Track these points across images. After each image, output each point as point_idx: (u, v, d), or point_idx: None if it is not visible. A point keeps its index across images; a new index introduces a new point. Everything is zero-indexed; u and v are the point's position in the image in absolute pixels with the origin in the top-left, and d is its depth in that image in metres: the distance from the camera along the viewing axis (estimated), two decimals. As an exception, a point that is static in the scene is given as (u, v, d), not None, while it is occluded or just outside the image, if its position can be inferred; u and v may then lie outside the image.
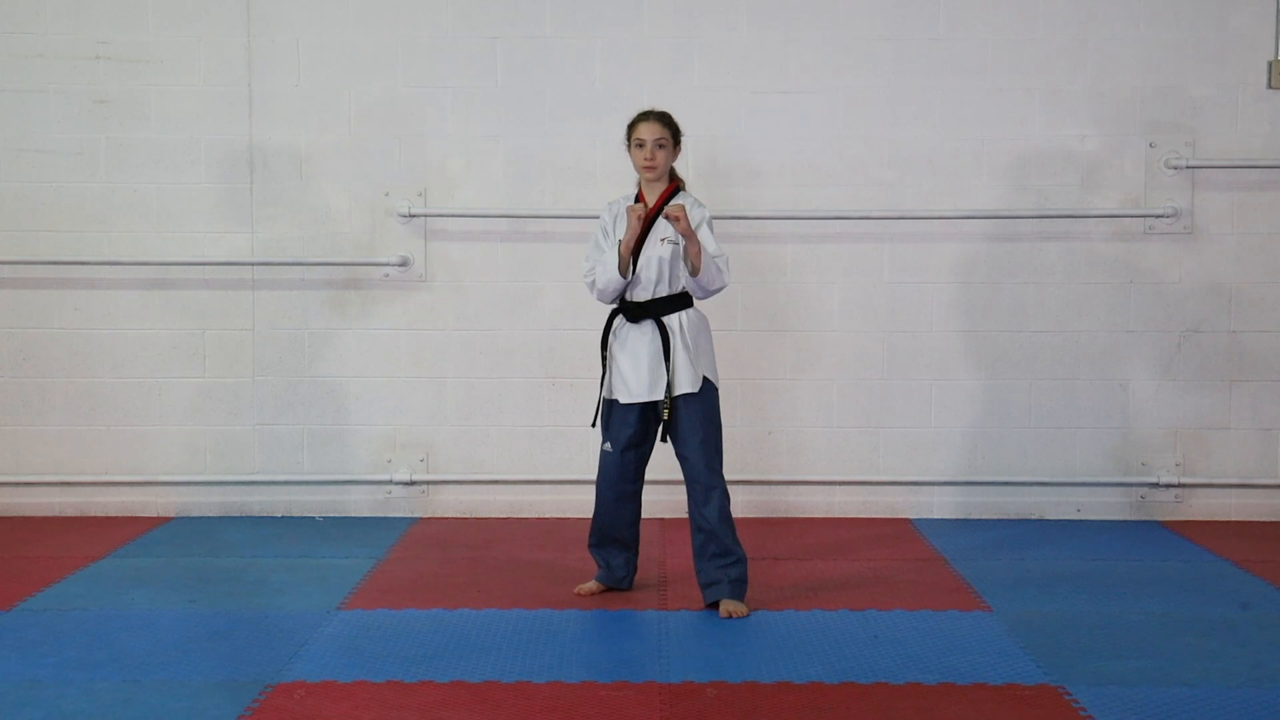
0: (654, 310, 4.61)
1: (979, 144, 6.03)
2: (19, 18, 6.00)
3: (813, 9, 6.00)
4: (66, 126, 6.02)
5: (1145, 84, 6.00)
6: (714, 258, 4.55)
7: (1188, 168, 5.98)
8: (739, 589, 4.62)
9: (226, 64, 6.02)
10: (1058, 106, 6.01)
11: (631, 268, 4.57)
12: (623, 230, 4.60)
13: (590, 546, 4.88)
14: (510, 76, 6.03)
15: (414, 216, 6.03)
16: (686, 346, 4.60)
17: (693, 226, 4.50)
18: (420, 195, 6.04)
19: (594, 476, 4.83)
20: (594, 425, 4.77)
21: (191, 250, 6.06)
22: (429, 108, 6.03)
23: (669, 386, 4.57)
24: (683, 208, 4.48)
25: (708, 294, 4.62)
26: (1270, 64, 5.97)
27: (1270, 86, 5.99)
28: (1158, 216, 6.00)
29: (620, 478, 4.74)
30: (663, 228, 4.58)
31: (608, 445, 4.72)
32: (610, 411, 4.71)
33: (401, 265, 6.04)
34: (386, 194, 6.04)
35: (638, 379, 4.60)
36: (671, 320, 4.61)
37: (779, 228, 6.04)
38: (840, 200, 6.03)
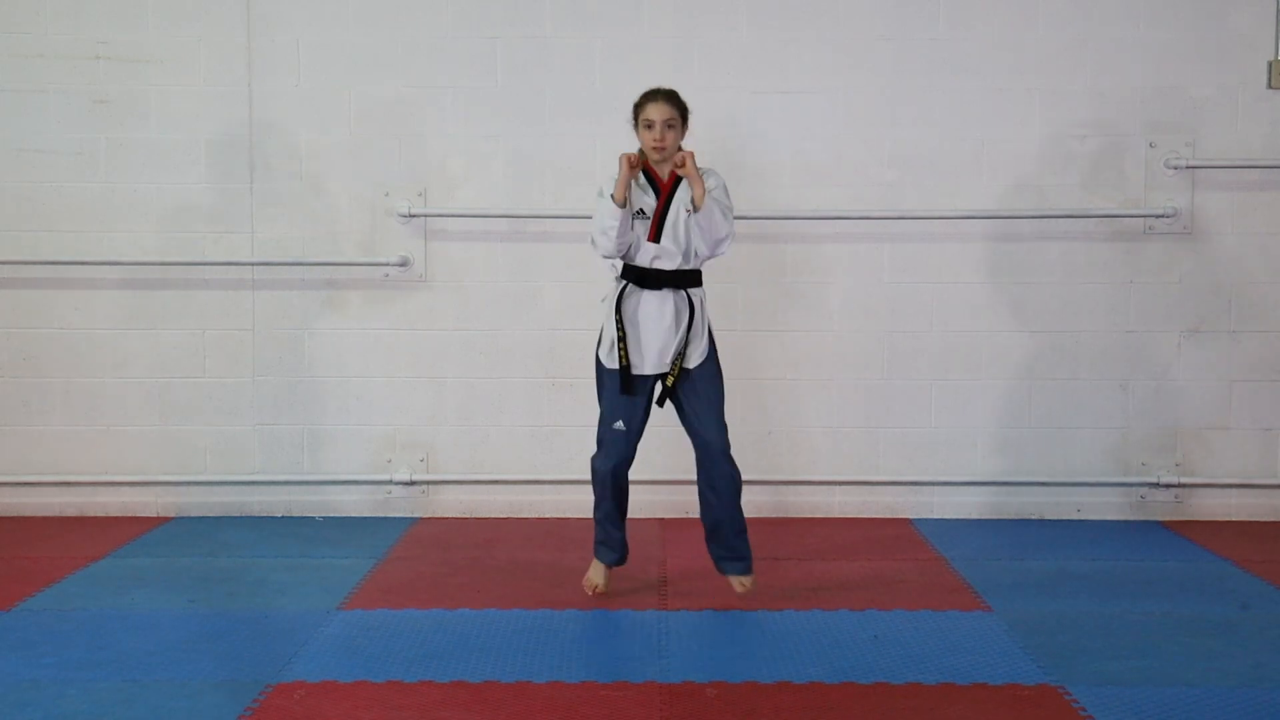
0: (676, 281, 4.60)
1: (979, 144, 6.03)
2: (19, 18, 6.00)
3: (813, 9, 6.01)
4: (66, 126, 6.02)
5: (1145, 84, 6.00)
6: (716, 201, 4.53)
7: (1188, 168, 5.98)
8: (748, 559, 4.74)
9: (226, 64, 6.02)
10: (1058, 106, 6.01)
11: (632, 222, 4.53)
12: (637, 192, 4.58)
13: (603, 521, 4.74)
14: (510, 76, 6.03)
15: (414, 216, 6.03)
16: (705, 321, 4.64)
17: (707, 187, 4.51)
18: (420, 195, 6.04)
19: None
20: (629, 393, 4.58)
21: (191, 250, 6.06)
22: (429, 108, 6.03)
23: (682, 357, 4.57)
24: (689, 154, 4.49)
25: (715, 244, 4.57)
26: (1270, 64, 5.97)
27: (1270, 86, 5.99)
28: (1158, 216, 6.00)
29: (630, 453, 4.68)
30: (684, 198, 4.58)
31: (620, 424, 4.62)
32: (617, 383, 4.61)
33: (401, 265, 6.04)
34: (386, 194, 6.04)
35: (655, 349, 4.59)
36: (696, 292, 4.63)
37: (779, 228, 6.04)
38: (840, 200, 6.03)
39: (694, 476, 4.72)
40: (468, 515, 6.14)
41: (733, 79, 6.01)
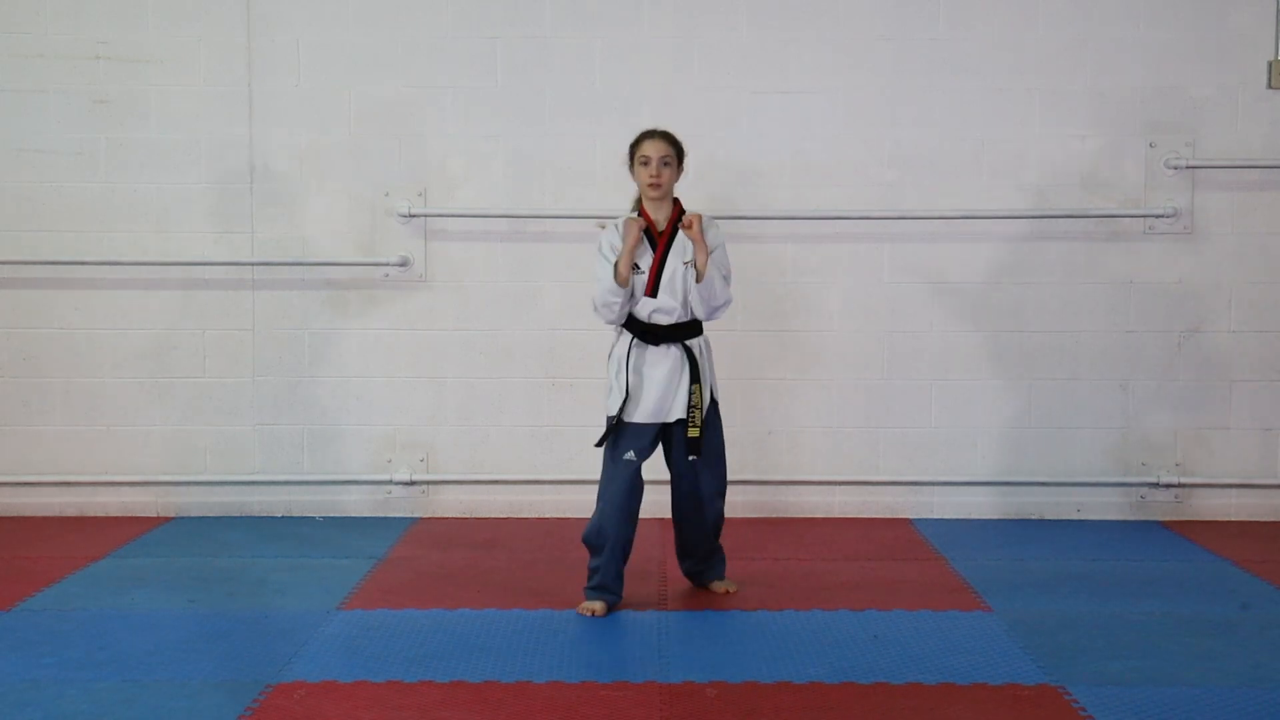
0: (676, 335, 4.62)
1: (979, 144, 6.03)
2: (19, 18, 6.00)
3: (813, 9, 6.01)
4: (66, 126, 6.02)
5: (1145, 84, 6.00)
6: (718, 266, 4.59)
7: (1188, 168, 5.98)
8: (723, 567, 4.92)
9: (226, 64, 6.02)
10: (1058, 106, 6.01)
11: (631, 282, 4.56)
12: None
13: (603, 566, 4.62)
14: (510, 76, 6.03)
15: (414, 216, 6.03)
16: (710, 371, 4.69)
17: (709, 245, 4.55)
18: (420, 195, 6.04)
19: (593, 476, 4.79)
20: (598, 445, 4.66)
21: (191, 250, 6.06)
22: (429, 108, 6.03)
23: (696, 408, 4.58)
24: (697, 216, 4.53)
25: (711, 311, 4.63)
26: (1270, 64, 5.97)
27: (1270, 86, 5.99)
28: (1158, 216, 6.00)
29: (639, 490, 4.65)
30: (681, 250, 4.60)
31: (630, 454, 4.60)
32: (624, 432, 4.61)
33: (401, 265, 6.04)
34: (386, 194, 6.04)
35: (657, 401, 4.59)
36: (694, 344, 4.64)
37: (779, 228, 6.05)
38: (840, 200, 6.03)
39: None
40: (468, 515, 6.15)
41: (733, 79, 6.02)
